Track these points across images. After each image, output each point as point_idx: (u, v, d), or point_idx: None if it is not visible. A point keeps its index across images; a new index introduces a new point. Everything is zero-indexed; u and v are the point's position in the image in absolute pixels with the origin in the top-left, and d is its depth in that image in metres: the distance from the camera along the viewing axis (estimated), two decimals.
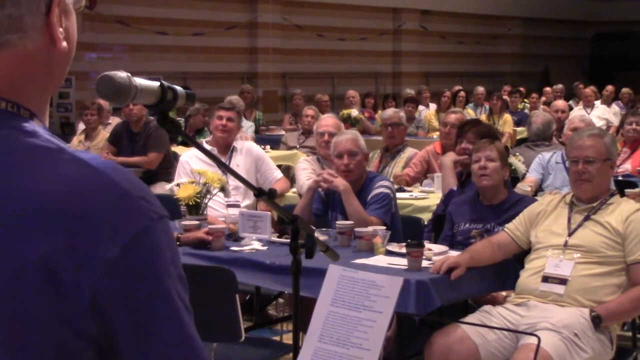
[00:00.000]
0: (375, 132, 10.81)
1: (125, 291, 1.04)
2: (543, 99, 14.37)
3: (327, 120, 5.94)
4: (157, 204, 1.10)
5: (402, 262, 3.76)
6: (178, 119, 8.06)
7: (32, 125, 1.11)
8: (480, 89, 13.87)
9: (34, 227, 1.02)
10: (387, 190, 4.61)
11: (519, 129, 11.32)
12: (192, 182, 4.67)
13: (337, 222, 4.40)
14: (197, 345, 1.10)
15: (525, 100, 14.13)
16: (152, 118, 7.30)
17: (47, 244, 1.02)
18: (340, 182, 4.52)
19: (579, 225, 3.79)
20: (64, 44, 1.15)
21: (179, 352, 1.08)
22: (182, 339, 1.08)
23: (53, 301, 1.02)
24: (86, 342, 1.05)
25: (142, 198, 1.08)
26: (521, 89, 14.30)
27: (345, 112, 11.23)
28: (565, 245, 3.76)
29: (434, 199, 5.43)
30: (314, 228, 2.91)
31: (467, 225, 4.39)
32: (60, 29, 1.14)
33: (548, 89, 15.47)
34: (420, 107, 13.19)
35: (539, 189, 5.85)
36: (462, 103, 13.14)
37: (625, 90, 14.04)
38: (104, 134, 8.35)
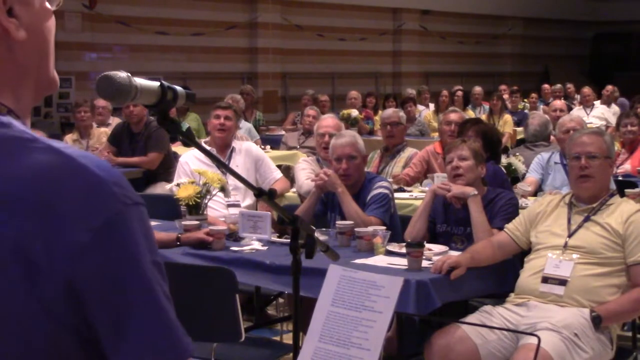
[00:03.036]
0: (368, 131, 10.84)
1: (98, 275, 1.05)
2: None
3: (328, 121, 5.93)
4: (131, 191, 1.11)
5: (402, 262, 3.76)
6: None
7: (8, 119, 1.11)
8: (478, 89, 13.84)
9: (6, 212, 1.03)
10: (386, 191, 4.61)
11: (519, 129, 11.31)
12: (192, 182, 4.67)
13: (337, 222, 4.40)
14: (176, 330, 1.10)
15: (525, 100, 14.12)
16: (152, 118, 7.30)
17: (19, 228, 1.03)
18: (338, 184, 4.52)
19: (579, 226, 3.79)
20: (21, 33, 1.13)
21: (157, 336, 1.08)
22: (160, 323, 1.08)
23: (29, 286, 1.03)
24: (67, 332, 1.06)
25: (115, 184, 1.09)
26: (515, 87, 14.28)
27: (345, 112, 11.24)
28: (565, 246, 3.76)
29: None
30: (314, 228, 2.91)
31: (446, 226, 4.37)
32: (12, 19, 1.12)
33: (547, 86, 15.45)
34: (420, 107, 13.18)
35: (539, 189, 5.85)
36: (460, 103, 13.13)
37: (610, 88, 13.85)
38: (99, 132, 8.34)
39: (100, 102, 9.02)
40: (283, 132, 10.54)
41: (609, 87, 13.28)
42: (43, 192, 1.04)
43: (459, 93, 13.42)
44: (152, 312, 1.08)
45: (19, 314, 1.04)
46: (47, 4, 1.18)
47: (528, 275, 3.79)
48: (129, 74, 1.64)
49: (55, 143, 1.10)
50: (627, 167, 6.76)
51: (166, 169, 7.25)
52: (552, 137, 7.02)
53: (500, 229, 4.04)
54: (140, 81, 1.66)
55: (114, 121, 9.02)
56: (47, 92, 1.22)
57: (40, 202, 1.04)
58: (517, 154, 6.48)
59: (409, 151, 6.46)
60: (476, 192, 4.18)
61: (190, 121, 10.08)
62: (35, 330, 1.05)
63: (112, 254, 1.06)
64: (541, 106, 13.42)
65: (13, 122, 1.11)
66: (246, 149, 5.71)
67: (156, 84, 1.71)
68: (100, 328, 1.07)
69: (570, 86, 15.52)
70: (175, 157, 7.02)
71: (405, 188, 5.88)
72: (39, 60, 1.17)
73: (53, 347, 1.06)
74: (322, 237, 3.92)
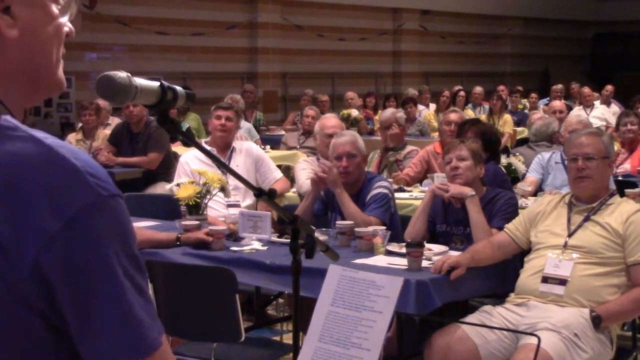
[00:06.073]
0: (368, 132, 10.85)
1: (66, 264, 1.06)
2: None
3: (332, 121, 5.94)
4: (108, 182, 1.11)
5: (402, 262, 3.76)
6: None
7: None
8: (478, 89, 13.85)
9: None
10: (386, 191, 4.61)
11: (519, 129, 11.33)
12: (192, 182, 4.67)
13: (337, 222, 4.40)
14: (140, 324, 1.09)
15: (525, 100, 14.12)
16: (152, 118, 7.29)
17: None
18: (338, 183, 4.52)
19: (579, 226, 3.79)
20: (13, 32, 1.14)
21: (117, 329, 1.08)
22: (121, 317, 1.08)
23: None
24: (33, 314, 1.07)
25: (91, 175, 1.09)
26: (519, 88, 14.25)
27: (345, 112, 11.24)
28: (565, 245, 3.76)
29: None
30: (314, 228, 2.92)
31: (445, 226, 4.37)
32: (7, 17, 1.14)
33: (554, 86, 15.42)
34: (420, 107, 13.18)
35: (539, 188, 5.85)
36: (462, 103, 13.13)
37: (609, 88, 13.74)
38: (104, 134, 8.34)
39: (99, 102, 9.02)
40: (283, 132, 10.55)
41: (609, 87, 13.26)
42: (17, 178, 1.06)
43: (462, 94, 13.42)
44: (116, 308, 1.08)
45: None
46: (55, 10, 1.19)
47: (528, 275, 3.79)
48: (129, 74, 1.64)
49: (37, 132, 1.11)
50: (626, 167, 6.76)
51: (166, 169, 7.25)
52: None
53: (500, 228, 4.04)
54: (140, 81, 1.66)
55: (114, 121, 9.01)
56: (50, 93, 1.24)
57: (14, 188, 1.05)
58: (517, 154, 6.49)
59: (408, 148, 6.53)
60: (474, 193, 4.18)
61: (190, 121, 10.08)
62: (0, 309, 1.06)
63: (80, 246, 1.06)
64: (541, 106, 13.42)
65: None
66: (246, 149, 5.71)
67: (156, 84, 1.71)
68: (67, 316, 1.08)
69: (575, 86, 15.35)
70: (175, 157, 7.02)
71: (405, 188, 5.89)
72: (36, 61, 1.18)
73: (20, 329, 1.07)
74: (322, 237, 3.93)
